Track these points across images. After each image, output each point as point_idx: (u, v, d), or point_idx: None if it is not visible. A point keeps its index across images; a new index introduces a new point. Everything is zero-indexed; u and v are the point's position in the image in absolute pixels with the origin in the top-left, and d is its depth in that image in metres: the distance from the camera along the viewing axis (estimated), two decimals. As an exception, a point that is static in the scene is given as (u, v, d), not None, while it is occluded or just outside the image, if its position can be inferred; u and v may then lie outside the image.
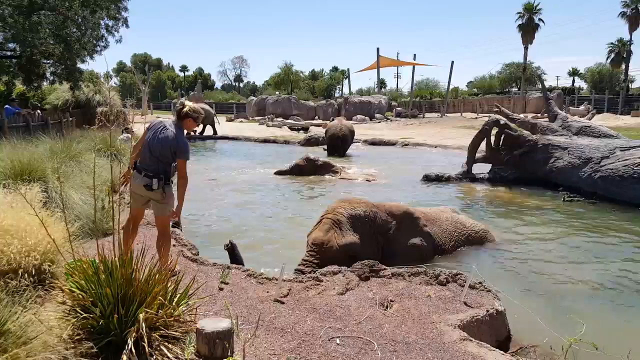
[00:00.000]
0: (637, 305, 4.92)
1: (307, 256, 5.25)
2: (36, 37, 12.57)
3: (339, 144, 18.10)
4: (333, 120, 19.87)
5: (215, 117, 25.83)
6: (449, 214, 6.67)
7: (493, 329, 3.90)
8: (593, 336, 3.45)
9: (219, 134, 25.89)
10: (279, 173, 13.06)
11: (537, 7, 47.25)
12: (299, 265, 5.19)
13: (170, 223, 4.66)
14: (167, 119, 4.60)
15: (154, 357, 2.85)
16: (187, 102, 4.49)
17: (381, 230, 5.65)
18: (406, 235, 5.80)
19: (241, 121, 38.59)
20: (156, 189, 4.25)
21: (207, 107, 25.58)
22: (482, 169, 12.48)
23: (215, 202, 9.54)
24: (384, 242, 5.64)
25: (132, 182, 4.36)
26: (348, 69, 55.63)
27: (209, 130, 25.62)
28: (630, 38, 46.93)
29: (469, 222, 6.69)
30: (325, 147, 18.77)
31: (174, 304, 3.20)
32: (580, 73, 62.64)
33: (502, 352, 3.36)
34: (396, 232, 5.72)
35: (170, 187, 4.39)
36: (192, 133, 24.87)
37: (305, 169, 12.92)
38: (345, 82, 61.47)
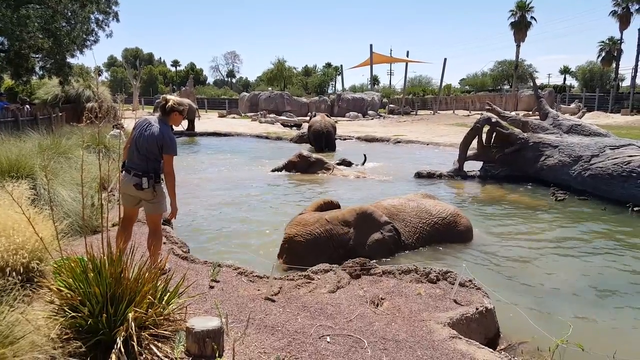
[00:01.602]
0: (625, 304, 4.96)
1: None
2: (25, 30, 12.41)
3: (323, 140, 18.26)
4: (315, 116, 19.85)
5: (192, 110, 25.67)
6: (415, 204, 6.51)
7: (482, 327, 3.92)
8: (580, 335, 3.49)
9: (212, 130, 25.84)
10: (274, 171, 13.03)
11: (530, 5, 47.45)
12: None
13: (161, 221, 4.63)
14: (153, 115, 4.51)
15: (144, 356, 2.83)
16: (169, 97, 4.39)
17: (341, 243, 5.61)
18: (366, 235, 5.75)
19: (234, 117, 38.45)
20: (146, 187, 4.19)
21: (189, 101, 25.51)
22: (473, 166, 12.54)
23: (207, 200, 9.49)
24: (344, 253, 5.50)
25: (122, 182, 4.27)
26: (341, 66, 55.59)
27: (194, 127, 25.42)
28: (621, 37, 47.27)
29: (435, 209, 6.49)
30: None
31: (163, 302, 3.18)
32: (572, 71, 63.13)
33: (490, 349, 3.38)
34: (356, 238, 5.68)
35: (160, 186, 4.34)
36: (185, 128, 24.80)
37: (299, 166, 12.90)
38: (338, 78, 61.46)
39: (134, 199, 4.32)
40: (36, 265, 3.62)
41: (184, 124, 24.33)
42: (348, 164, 14.04)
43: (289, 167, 12.98)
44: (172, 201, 4.36)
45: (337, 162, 13.91)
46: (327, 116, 19.77)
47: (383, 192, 10.50)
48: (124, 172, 4.25)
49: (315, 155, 13.42)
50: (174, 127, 4.45)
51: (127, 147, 4.31)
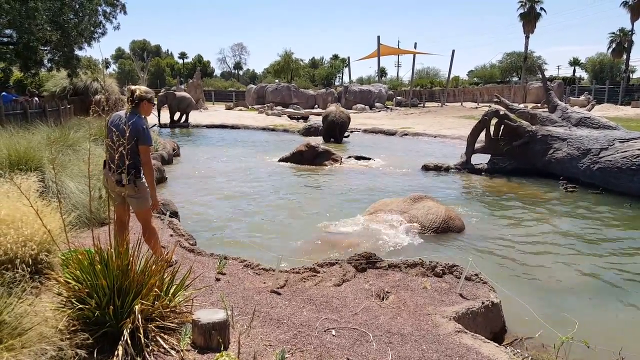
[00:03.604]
0: (632, 301, 4.92)
1: None
2: (33, 23, 12.43)
3: (337, 130, 18.32)
4: (330, 106, 19.93)
5: (192, 105, 25.52)
6: (408, 218, 6.65)
7: (488, 321, 3.92)
8: (586, 331, 3.46)
9: (218, 122, 25.96)
10: (281, 160, 13.03)
11: (539, -4, 46.92)
12: None
13: (151, 216, 4.53)
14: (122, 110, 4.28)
15: (150, 347, 2.86)
16: (134, 87, 4.28)
17: None
18: None
19: (241, 109, 38.47)
20: (126, 183, 4.06)
21: (187, 94, 25.68)
22: (481, 159, 12.47)
23: (213, 192, 9.53)
24: None
25: (107, 180, 4.13)
26: (348, 57, 55.06)
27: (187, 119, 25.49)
28: (632, 28, 46.61)
29: (427, 220, 6.68)
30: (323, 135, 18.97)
31: (170, 295, 3.21)
32: (581, 63, 62.38)
33: (496, 344, 3.37)
34: None
35: (142, 180, 4.22)
36: (188, 120, 24.83)
37: (306, 155, 12.86)
38: (346, 70, 61.10)
39: (119, 197, 4.18)
40: (44, 257, 3.65)
41: (166, 116, 24.43)
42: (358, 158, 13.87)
43: (297, 156, 12.95)
44: (151, 192, 4.27)
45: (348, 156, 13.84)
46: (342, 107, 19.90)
47: (390, 184, 10.48)
48: (105, 170, 4.13)
49: (322, 146, 13.39)
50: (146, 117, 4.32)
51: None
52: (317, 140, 17.29)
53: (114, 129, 4.02)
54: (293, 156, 13.02)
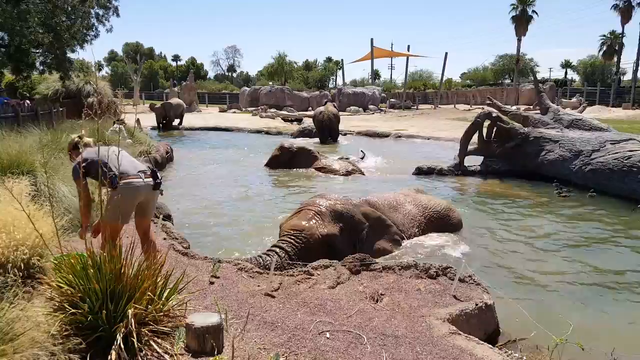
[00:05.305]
0: (625, 301, 4.96)
1: (286, 240, 5.13)
2: (25, 26, 12.36)
3: (326, 129, 18.53)
4: (326, 104, 20.14)
5: (185, 109, 26.68)
6: (412, 197, 6.74)
7: (482, 323, 3.93)
8: (580, 332, 3.48)
9: (212, 125, 26.09)
10: (267, 166, 12.84)
11: (531, -1, 47.23)
12: (270, 249, 5.13)
13: (157, 217, 4.59)
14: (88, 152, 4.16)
15: (143, 352, 2.84)
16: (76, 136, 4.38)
17: (356, 229, 5.66)
18: (376, 238, 5.84)
19: (234, 112, 38.43)
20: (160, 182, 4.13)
21: (179, 100, 26.58)
22: (474, 161, 12.52)
23: (207, 196, 9.51)
24: (356, 241, 5.62)
25: (127, 193, 3.94)
26: (342, 60, 55.21)
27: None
28: (623, 30, 47.02)
29: (431, 203, 6.75)
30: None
31: (163, 299, 3.19)
32: (573, 65, 62.92)
33: (490, 345, 3.38)
34: (369, 234, 5.74)
35: None
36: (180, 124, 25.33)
37: (282, 159, 12.50)
38: (339, 72, 61.19)
39: (133, 208, 4.09)
40: (36, 261, 3.62)
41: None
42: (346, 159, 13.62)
43: (273, 162, 12.63)
44: None
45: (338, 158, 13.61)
46: (334, 106, 19.98)
47: (383, 188, 10.48)
48: (124, 182, 3.91)
49: (297, 145, 13.03)
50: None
51: (88, 204, 4.08)
52: (311, 142, 17.28)
53: (116, 152, 3.87)
54: (270, 163, 12.73)
